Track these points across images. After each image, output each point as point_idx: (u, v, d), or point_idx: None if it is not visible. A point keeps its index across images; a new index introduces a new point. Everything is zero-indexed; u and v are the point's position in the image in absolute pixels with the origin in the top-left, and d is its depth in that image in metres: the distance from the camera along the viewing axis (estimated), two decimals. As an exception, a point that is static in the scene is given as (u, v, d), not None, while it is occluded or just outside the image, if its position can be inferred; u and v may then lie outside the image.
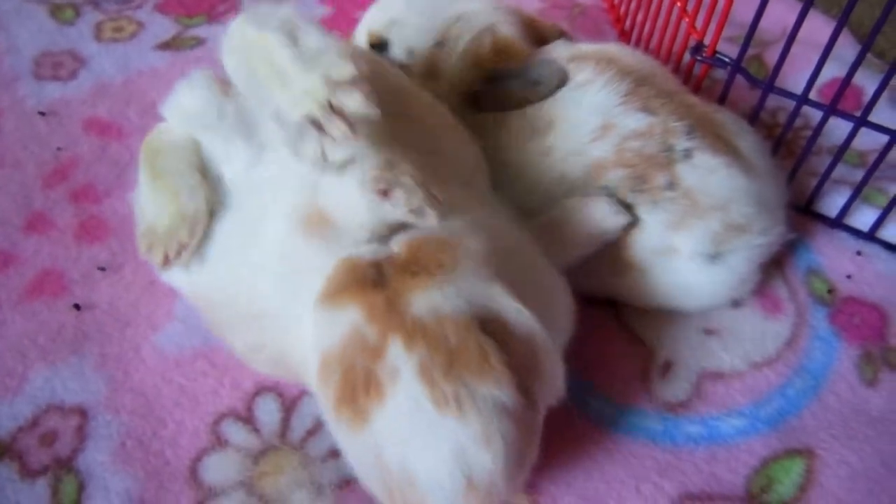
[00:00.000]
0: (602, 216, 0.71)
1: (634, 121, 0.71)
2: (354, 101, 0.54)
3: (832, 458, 0.68)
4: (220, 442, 0.68)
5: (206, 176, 0.66)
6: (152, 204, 0.66)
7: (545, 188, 0.73)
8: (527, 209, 0.73)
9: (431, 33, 0.79)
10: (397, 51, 0.80)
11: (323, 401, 0.54)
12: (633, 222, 0.72)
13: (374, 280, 0.53)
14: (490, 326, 0.52)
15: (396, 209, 0.55)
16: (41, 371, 0.72)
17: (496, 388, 0.50)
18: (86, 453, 0.67)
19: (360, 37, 0.84)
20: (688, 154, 0.71)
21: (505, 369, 0.50)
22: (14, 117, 0.95)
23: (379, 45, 0.82)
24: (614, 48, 0.79)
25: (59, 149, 0.91)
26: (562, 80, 0.74)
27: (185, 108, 0.69)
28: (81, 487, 0.65)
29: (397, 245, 0.55)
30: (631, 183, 0.71)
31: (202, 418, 0.69)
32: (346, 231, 0.57)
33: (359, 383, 0.51)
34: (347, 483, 0.64)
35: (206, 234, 0.64)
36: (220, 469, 0.66)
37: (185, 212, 0.64)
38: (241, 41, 0.60)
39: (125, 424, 0.68)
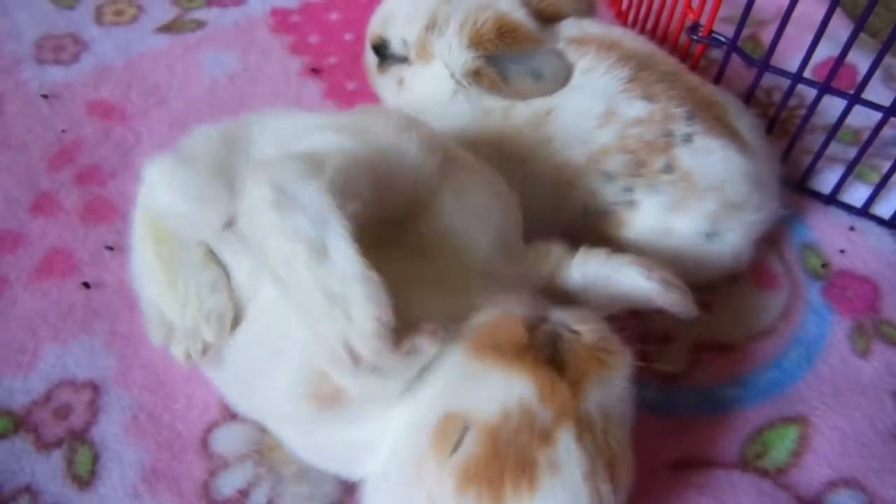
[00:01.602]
0: (631, 285, 0.64)
1: (635, 109, 0.73)
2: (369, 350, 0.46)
3: (825, 425, 0.70)
4: (229, 415, 0.69)
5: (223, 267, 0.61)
6: (170, 299, 0.61)
7: (550, 176, 0.75)
8: (531, 199, 0.75)
9: (420, 18, 0.80)
10: (396, 45, 0.82)
11: (433, 464, 0.48)
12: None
13: (549, 355, 0.49)
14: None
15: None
16: (53, 348, 0.73)
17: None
18: (99, 426, 0.68)
19: (367, 48, 0.87)
20: (687, 138, 0.72)
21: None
22: (18, 100, 0.96)
23: (380, 46, 0.83)
24: (618, 32, 0.80)
25: (63, 131, 0.92)
26: (565, 80, 0.75)
27: (170, 209, 0.62)
28: (96, 458, 0.66)
29: (578, 323, 0.51)
30: (630, 167, 0.72)
31: (211, 392, 0.70)
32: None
33: (510, 465, 0.46)
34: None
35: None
36: (229, 441, 0.68)
37: (208, 310, 0.58)
38: (255, 225, 0.50)
39: (136, 399, 0.70)
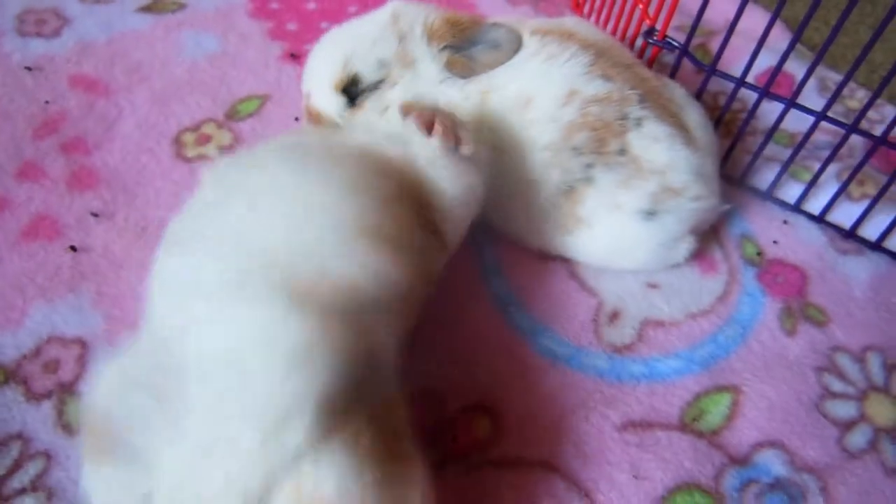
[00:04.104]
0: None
1: (595, 87, 0.79)
2: None
3: (754, 394, 0.78)
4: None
5: None
6: None
7: (528, 157, 0.81)
8: (517, 182, 0.81)
9: (387, 38, 0.83)
10: (370, 74, 0.83)
11: None
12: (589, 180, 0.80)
13: None
14: None
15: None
16: (41, 306, 0.77)
17: None
18: (88, 380, 0.72)
19: (322, 100, 0.85)
20: (638, 123, 0.79)
21: None
22: (1, 72, 0.98)
23: (351, 84, 0.83)
24: (570, 22, 0.87)
25: (46, 102, 0.95)
26: (518, 43, 0.82)
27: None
28: (85, 409, 0.70)
29: None
30: (593, 145, 0.79)
31: (194, 352, 0.75)
32: None
33: None
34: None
35: None
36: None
37: None
38: None
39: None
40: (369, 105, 0.84)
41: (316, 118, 0.86)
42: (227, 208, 0.60)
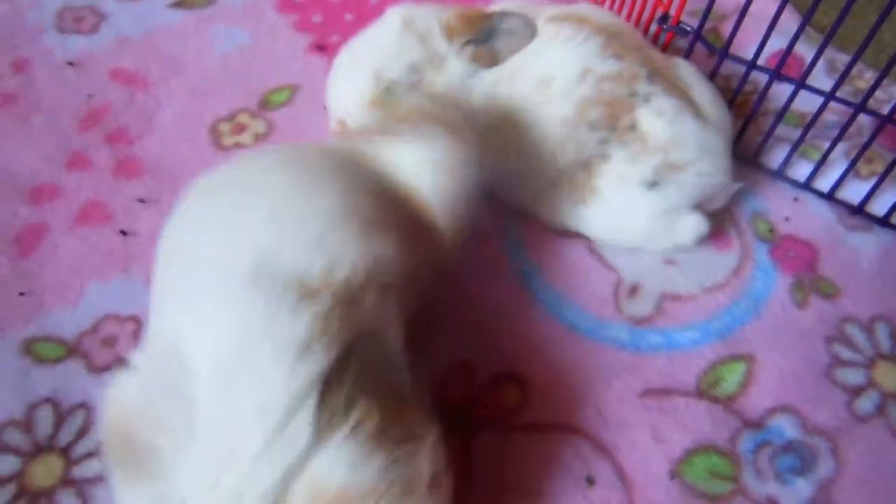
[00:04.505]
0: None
1: (607, 66, 0.84)
2: None
3: (768, 362, 0.82)
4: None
5: None
6: None
7: (548, 132, 0.85)
8: (538, 154, 0.85)
9: (411, 43, 0.86)
10: (405, 80, 0.86)
11: None
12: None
13: None
14: None
15: None
16: (96, 286, 0.82)
17: None
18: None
19: (361, 120, 0.86)
20: (647, 99, 0.83)
21: None
22: (45, 67, 1.03)
23: (392, 91, 0.86)
24: (584, 8, 0.91)
25: (89, 96, 1.00)
26: (533, 28, 0.86)
27: None
28: (142, 380, 0.75)
29: None
30: (608, 121, 0.83)
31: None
32: None
33: None
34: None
35: None
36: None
37: None
38: None
39: (174, 331, 0.79)
40: None
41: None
42: (227, 214, 0.63)
